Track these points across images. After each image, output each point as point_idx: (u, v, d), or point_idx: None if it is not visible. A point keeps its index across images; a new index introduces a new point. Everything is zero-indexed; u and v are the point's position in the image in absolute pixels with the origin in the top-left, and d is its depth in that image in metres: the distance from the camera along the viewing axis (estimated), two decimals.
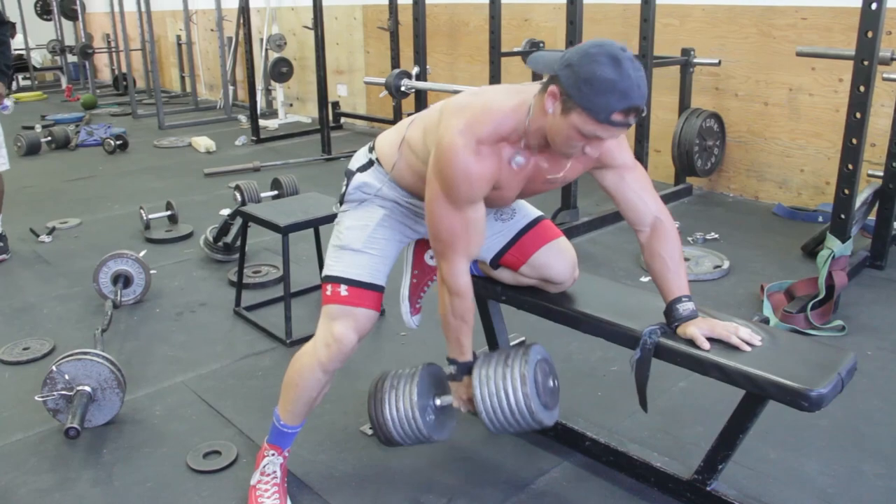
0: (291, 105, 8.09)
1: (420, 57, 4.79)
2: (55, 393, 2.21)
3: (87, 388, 2.22)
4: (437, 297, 1.80)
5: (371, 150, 1.89)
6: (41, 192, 5.18)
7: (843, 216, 2.98)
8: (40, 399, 2.22)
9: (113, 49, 10.33)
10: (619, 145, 1.74)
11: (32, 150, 6.30)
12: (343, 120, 7.40)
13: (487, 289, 2.08)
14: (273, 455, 1.95)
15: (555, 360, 2.63)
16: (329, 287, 1.83)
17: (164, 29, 9.85)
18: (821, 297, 2.90)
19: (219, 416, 2.37)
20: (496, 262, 1.98)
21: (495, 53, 4.49)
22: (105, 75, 11.35)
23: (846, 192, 2.97)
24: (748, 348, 1.65)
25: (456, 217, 1.67)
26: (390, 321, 2.91)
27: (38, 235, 4.10)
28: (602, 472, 2.03)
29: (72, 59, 10.43)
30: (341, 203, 1.91)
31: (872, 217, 3.46)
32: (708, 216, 4.29)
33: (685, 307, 1.71)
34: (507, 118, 1.61)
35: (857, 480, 1.99)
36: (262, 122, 7.07)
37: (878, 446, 2.13)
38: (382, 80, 4.88)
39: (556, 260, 1.94)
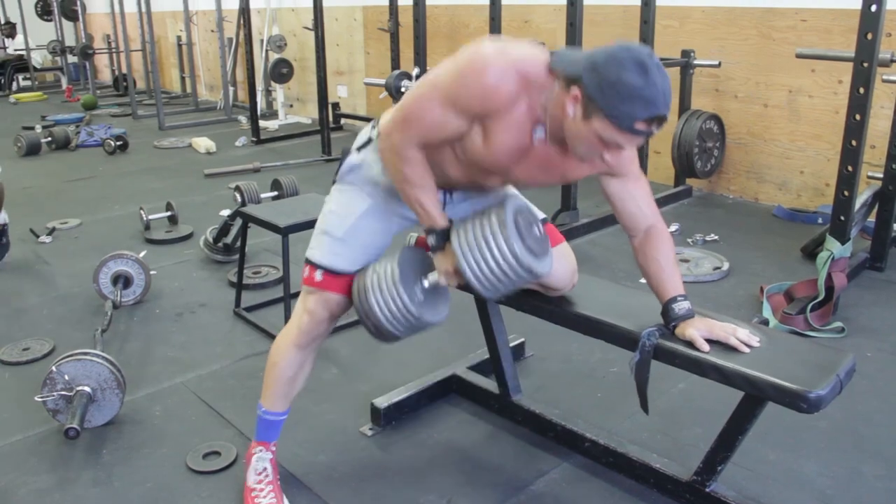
0: (291, 106, 8.09)
1: (420, 58, 4.79)
2: (55, 393, 2.21)
3: (87, 389, 2.22)
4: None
5: (373, 126, 1.85)
6: (41, 192, 5.18)
7: (842, 218, 2.99)
8: (40, 399, 2.22)
9: (113, 50, 10.34)
10: (631, 155, 1.71)
11: (32, 150, 6.30)
12: (343, 121, 7.40)
13: None
14: (261, 451, 1.96)
15: (554, 361, 2.65)
16: (307, 268, 1.86)
17: (164, 30, 9.86)
18: (820, 298, 2.90)
19: (218, 417, 2.37)
20: None
21: None
22: (105, 76, 11.35)
23: (846, 193, 2.97)
24: (747, 350, 1.65)
25: (437, 108, 1.57)
26: None
27: (38, 236, 4.10)
28: (601, 474, 2.04)
29: (72, 59, 10.44)
30: (334, 182, 1.90)
31: (872, 219, 3.46)
32: (708, 218, 4.29)
33: (681, 306, 1.71)
34: (536, 69, 1.53)
35: (856, 482, 2.00)
36: (262, 123, 7.07)
37: (878, 448, 2.13)
38: (383, 82, 4.89)
39: (558, 266, 1.94)
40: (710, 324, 1.70)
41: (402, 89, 4.75)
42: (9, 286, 3.47)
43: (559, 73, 1.51)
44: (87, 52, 9.51)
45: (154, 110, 7.68)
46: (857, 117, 2.89)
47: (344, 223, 1.83)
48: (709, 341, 1.66)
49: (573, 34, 3.69)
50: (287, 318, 2.81)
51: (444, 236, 1.70)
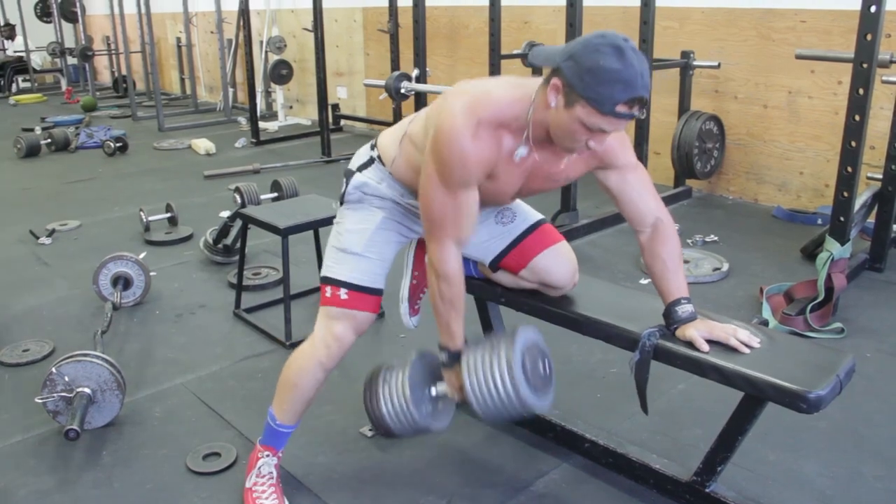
0: (291, 107, 8.09)
1: (420, 59, 4.79)
2: (55, 394, 2.21)
3: (87, 390, 2.22)
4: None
5: (373, 147, 1.89)
6: (41, 194, 5.18)
7: (842, 218, 2.99)
8: (40, 401, 2.22)
9: (113, 51, 10.35)
10: (623, 145, 1.73)
11: (32, 152, 6.30)
12: (343, 122, 7.40)
13: (487, 291, 2.09)
14: (268, 456, 1.95)
15: (554, 362, 2.64)
16: (329, 289, 1.84)
17: (163, 31, 9.86)
18: (820, 299, 2.90)
19: (218, 418, 2.37)
20: (496, 264, 1.98)
21: (495, 56, 4.49)
22: (105, 77, 11.35)
23: (845, 194, 2.97)
24: (747, 350, 1.65)
25: (448, 199, 1.64)
26: (390, 323, 2.91)
27: (37, 237, 4.10)
28: (601, 474, 2.04)
29: (72, 61, 10.44)
30: (342, 203, 1.91)
31: (872, 219, 3.47)
32: (707, 218, 4.29)
33: (684, 309, 1.71)
34: (510, 106, 1.59)
35: (856, 482, 2.00)
36: (261, 125, 7.07)
37: (877, 448, 2.14)
38: (382, 83, 4.88)
39: (557, 265, 1.94)
40: (710, 325, 1.70)
41: (402, 90, 4.75)
42: (8, 287, 3.47)
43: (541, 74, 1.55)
44: (86, 54, 9.52)
45: (154, 112, 7.68)
46: (857, 118, 2.90)
47: (361, 238, 1.84)
48: (709, 342, 1.67)
49: (573, 35, 3.69)
50: (287, 319, 2.81)
51: (457, 358, 1.76)
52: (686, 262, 3.49)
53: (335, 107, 7.26)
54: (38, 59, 10.93)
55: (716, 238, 3.89)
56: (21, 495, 2.01)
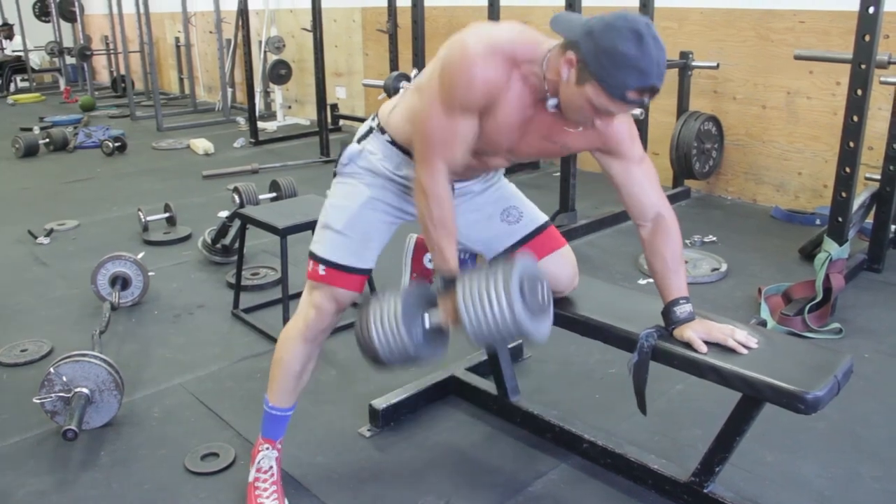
0: (290, 107, 8.09)
1: (419, 59, 4.79)
2: (53, 395, 2.21)
3: (85, 390, 2.22)
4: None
5: (374, 117, 1.87)
6: (39, 193, 5.17)
7: (840, 219, 2.99)
8: (38, 401, 2.22)
9: (111, 51, 10.33)
10: (631, 136, 1.71)
11: (30, 151, 6.30)
12: (342, 122, 7.40)
13: None
14: (267, 449, 1.95)
15: (553, 362, 2.65)
16: (311, 263, 1.85)
17: (162, 31, 9.85)
18: (818, 299, 2.90)
19: (217, 418, 2.37)
20: None
21: None
22: (103, 77, 11.33)
23: (843, 195, 2.98)
24: (745, 351, 1.65)
25: (446, 122, 1.60)
26: None
27: (35, 237, 4.10)
28: (600, 475, 2.04)
29: (70, 60, 10.42)
30: (335, 175, 1.90)
31: (870, 220, 3.47)
32: (706, 219, 4.29)
33: (683, 310, 1.71)
34: (523, 46, 1.56)
35: (854, 483, 2.00)
36: (260, 125, 7.06)
37: (875, 449, 2.14)
38: (381, 83, 4.88)
39: (561, 270, 1.94)
40: (708, 325, 1.70)
41: (401, 91, 4.75)
42: (6, 287, 3.46)
43: (558, 37, 1.52)
44: (85, 54, 9.51)
45: (152, 111, 7.68)
46: (855, 119, 2.90)
47: (343, 215, 1.83)
48: (707, 343, 1.67)
49: None
50: (286, 319, 2.81)
51: (452, 283, 1.68)
52: (685, 262, 3.48)
53: (334, 107, 7.26)
54: (36, 59, 10.92)
55: (714, 238, 3.89)
56: (19, 496, 2.01)
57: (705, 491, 1.83)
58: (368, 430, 2.27)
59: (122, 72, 9.41)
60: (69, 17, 10.15)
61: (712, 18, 4.61)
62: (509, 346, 2.45)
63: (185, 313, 3.16)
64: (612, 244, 3.88)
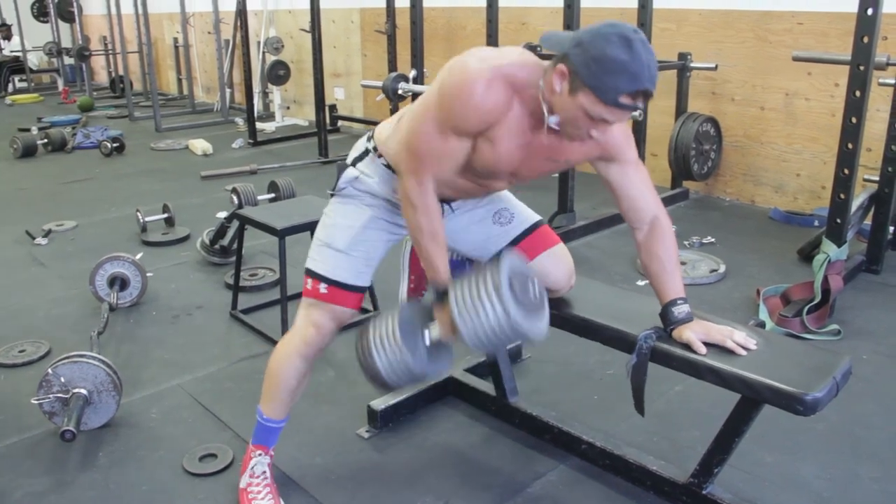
0: (288, 108, 8.09)
1: (417, 60, 4.79)
2: (51, 395, 2.20)
3: (83, 391, 2.22)
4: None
5: (369, 138, 1.87)
6: (37, 194, 5.17)
7: (838, 220, 2.99)
8: (36, 402, 2.21)
9: (110, 51, 10.33)
10: (627, 141, 1.72)
11: (28, 152, 6.29)
12: (340, 123, 7.40)
13: None
14: (260, 455, 1.95)
15: (551, 363, 2.65)
16: (310, 281, 1.84)
17: (161, 31, 9.85)
18: (816, 301, 2.90)
19: (215, 419, 2.36)
20: None
21: None
22: (102, 77, 11.33)
23: (842, 196, 2.98)
24: (743, 352, 1.65)
25: (437, 139, 1.61)
26: None
27: (34, 238, 4.09)
28: (598, 476, 2.04)
29: (68, 61, 10.41)
30: (333, 194, 1.90)
31: (868, 221, 3.47)
32: (704, 220, 4.29)
33: (680, 310, 1.72)
34: (522, 70, 1.57)
35: (853, 484, 2.00)
36: (258, 125, 7.06)
37: (874, 450, 2.14)
38: (379, 84, 4.88)
39: (555, 267, 1.94)
40: (707, 326, 1.70)
41: (399, 91, 4.75)
42: (5, 288, 3.46)
43: (550, 55, 1.53)
44: (83, 54, 9.50)
45: (151, 112, 7.67)
46: (854, 120, 2.90)
47: (346, 235, 1.83)
48: (706, 344, 1.67)
49: None
50: (284, 320, 2.81)
51: (445, 293, 1.68)
52: (683, 263, 3.49)
53: (332, 108, 7.26)
54: (34, 59, 10.91)
55: (713, 240, 3.89)
56: (17, 497, 2.01)
57: (704, 492, 1.82)
58: (367, 431, 2.27)
59: (121, 72, 9.41)
60: (67, 17, 10.15)
61: (711, 20, 4.61)
62: (507, 347, 2.45)
63: (183, 314, 3.16)
64: (611, 245, 3.88)
